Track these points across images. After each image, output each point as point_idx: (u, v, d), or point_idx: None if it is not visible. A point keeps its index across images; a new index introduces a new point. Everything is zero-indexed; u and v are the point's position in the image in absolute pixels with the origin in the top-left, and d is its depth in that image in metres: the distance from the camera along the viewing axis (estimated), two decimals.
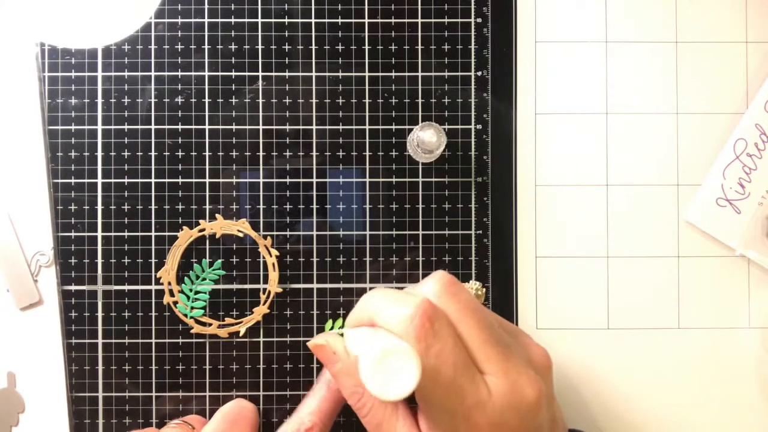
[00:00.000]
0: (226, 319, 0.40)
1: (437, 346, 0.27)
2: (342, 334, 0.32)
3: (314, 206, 0.41)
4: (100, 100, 0.40)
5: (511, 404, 0.28)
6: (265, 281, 0.40)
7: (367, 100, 0.41)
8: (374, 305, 0.30)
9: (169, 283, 0.40)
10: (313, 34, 0.41)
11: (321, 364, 0.38)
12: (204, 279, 0.40)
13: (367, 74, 0.41)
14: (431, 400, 0.28)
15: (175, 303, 0.40)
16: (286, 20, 0.41)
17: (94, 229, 0.40)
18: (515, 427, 0.28)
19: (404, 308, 0.28)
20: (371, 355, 0.26)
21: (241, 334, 0.40)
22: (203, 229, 0.40)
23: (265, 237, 0.40)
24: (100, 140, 0.40)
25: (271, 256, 0.40)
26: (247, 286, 0.40)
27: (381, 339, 0.28)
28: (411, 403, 0.30)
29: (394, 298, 0.29)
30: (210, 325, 0.40)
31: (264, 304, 0.40)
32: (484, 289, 0.37)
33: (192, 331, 0.40)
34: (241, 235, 0.40)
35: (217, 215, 0.40)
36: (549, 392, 0.31)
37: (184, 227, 0.40)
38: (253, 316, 0.40)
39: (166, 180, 0.40)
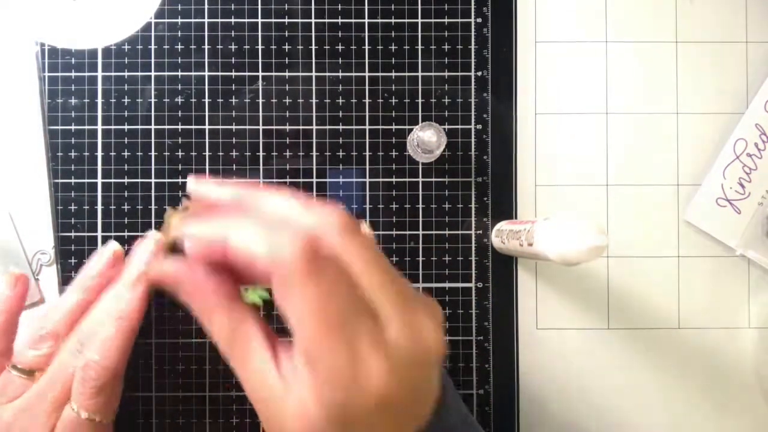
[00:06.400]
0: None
1: (324, 286, 0.23)
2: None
3: None
4: (100, 100, 0.40)
5: (412, 354, 0.24)
6: None
7: (367, 100, 0.41)
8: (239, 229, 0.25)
9: None
10: (313, 34, 0.41)
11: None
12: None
13: (367, 74, 0.41)
14: (318, 348, 0.24)
15: None
16: (286, 20, 0.41)
17: (94, 229, 0.40)
18: (415, 379, 0.24)
19: (282, 238, 0.23)
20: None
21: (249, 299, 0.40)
22: (187, 208, 0.40)
23: None
24: (100, 140, 0.40)
25: None
26: None
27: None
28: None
29: (267, 226, 0.24)
30: None
31: None
32: (373, 234, 0.35)
33: None
34: None
35: None
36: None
37: (167, 208, 0.40)
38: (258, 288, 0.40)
39: (166, 180, 0.40)
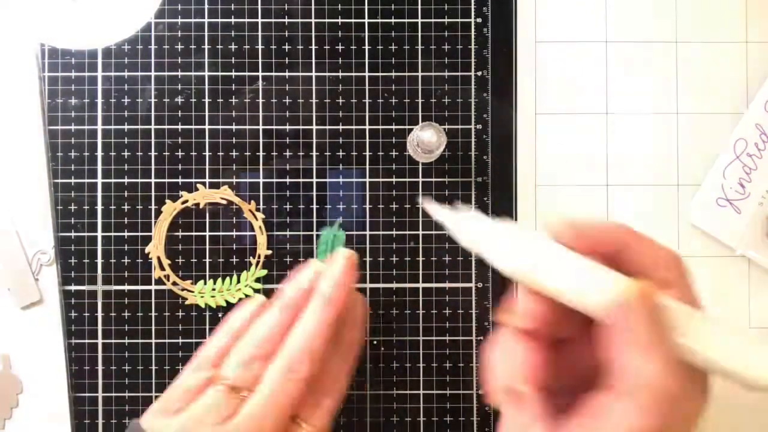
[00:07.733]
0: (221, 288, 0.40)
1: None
2: None
3: (314, 206, 0.41)
4: (100, 100, 0.40)
5: None
6: (253, 253, 0.40)
7: (367, 100, 0.41)
8: None
9: (159, 258, 0.40)
10: (313, 34, 0.41)
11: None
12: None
13: (367, 74, 0.41)
14: None
15: (167, 277, 0.40)
16: (286, 20, 0.41)
17: (94, 229, 0.40)
18: None
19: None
20: None
21: (235, 300, 0.40)
22: (186, 201, 0.40)
23: (249, 201, 0.40)
24: (100, 140, 0.40)
25: (257, 219, 0.40)
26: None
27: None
28: None
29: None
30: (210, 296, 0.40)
31: (257, 267, 0.40)
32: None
33: (188, 302, 0.40)
34: (224, 202, 0.40)
35: (198, 185, 0.40)
36: None
37: (167, 201, 0.40)
38: (248, 281, 0.40)
39: (166, 180, 0.40)
